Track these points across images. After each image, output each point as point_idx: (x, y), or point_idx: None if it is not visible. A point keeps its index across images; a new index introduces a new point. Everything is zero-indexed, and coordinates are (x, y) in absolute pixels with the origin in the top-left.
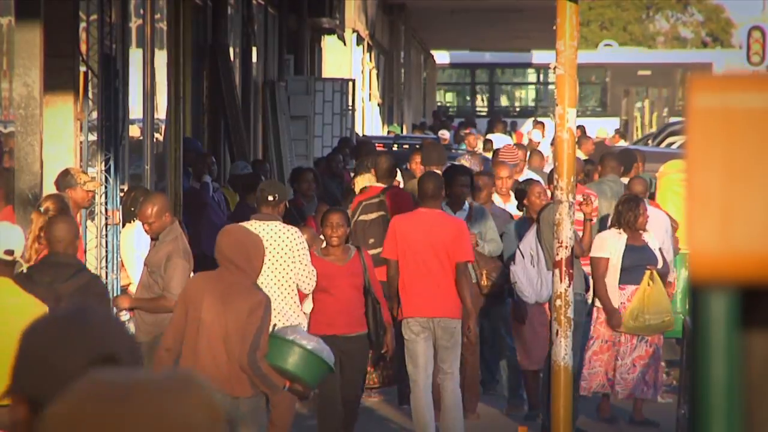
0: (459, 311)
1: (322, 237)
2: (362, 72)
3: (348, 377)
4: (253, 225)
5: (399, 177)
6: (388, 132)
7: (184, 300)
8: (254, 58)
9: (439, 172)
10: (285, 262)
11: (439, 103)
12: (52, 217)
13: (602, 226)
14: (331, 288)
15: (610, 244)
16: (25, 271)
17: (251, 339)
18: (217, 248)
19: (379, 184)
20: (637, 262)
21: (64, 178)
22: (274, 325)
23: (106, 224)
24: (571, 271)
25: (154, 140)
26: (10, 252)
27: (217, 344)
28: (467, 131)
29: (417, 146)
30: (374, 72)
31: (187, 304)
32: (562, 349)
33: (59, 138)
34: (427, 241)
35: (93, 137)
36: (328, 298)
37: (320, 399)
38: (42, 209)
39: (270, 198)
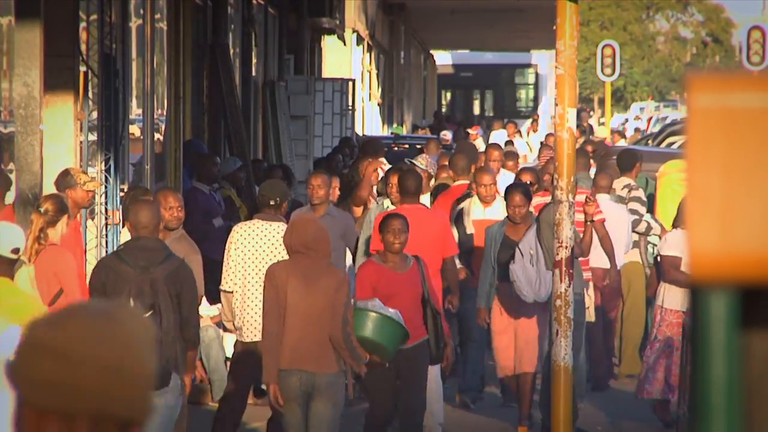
0: (440, 304)
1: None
2: (362, 72)
3: (408, 388)
4: (256, 224)
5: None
6: (391, 133)
7: (273, 285)
8: (254, 58)
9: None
10: None
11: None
12: (136, 203)
13: None
14: (392, 296)
15: (682, 243)
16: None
17: (341, 314)
18: (291, 240)
19: (462, 181)
20: None
21: (64, 178)
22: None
23: (106, 224)
24: (571, 271)
25: (154, 140)
26: (16, 250)
27: (304, 323)
28: (474, 130)
29: (418, 146)
30: (374, 72)
31: (276, 288)
32: (562, 349)
33: (59, 138)
34: (412, 235)
35: (93, 137)
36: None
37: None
38: (42, 210)
39: (272, 203)
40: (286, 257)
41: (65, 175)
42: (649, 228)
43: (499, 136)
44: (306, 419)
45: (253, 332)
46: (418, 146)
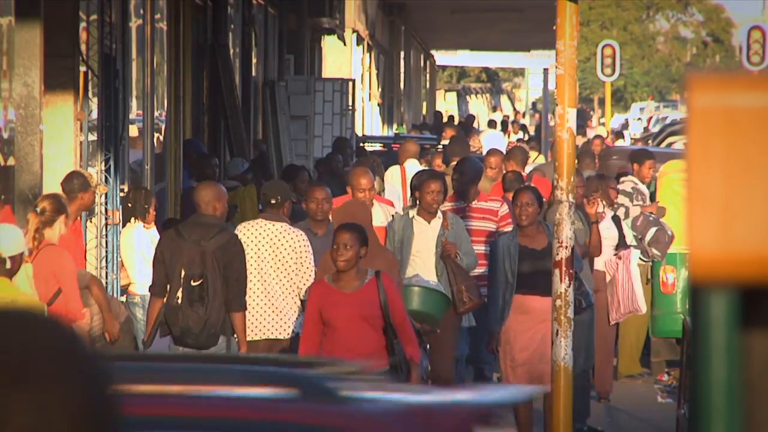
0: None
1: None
2: (362, 72)
3: None
4: (259, 224)
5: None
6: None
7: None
8: (254, 58)
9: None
10: (289, 263)
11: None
12: (201, 183)
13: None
14: (333, 320)
15: None
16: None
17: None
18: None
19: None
20: None
21: (79, 180)
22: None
23: (106, 224)
24: (571, 271)
25: (154, 140)
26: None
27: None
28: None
29: (437, 148)
30: (374, 72)
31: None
32: (562, 350)
33: (59, 138)
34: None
35: (93, 137)
36: (330, 333)
37: None
38: (38, 210)
39: (273, 201)
40: (287, 258)
41: (78, 177)
42: (627, 212)
43: (491, 137)
44: None
45: (253, 331)
46: (437, 148)
